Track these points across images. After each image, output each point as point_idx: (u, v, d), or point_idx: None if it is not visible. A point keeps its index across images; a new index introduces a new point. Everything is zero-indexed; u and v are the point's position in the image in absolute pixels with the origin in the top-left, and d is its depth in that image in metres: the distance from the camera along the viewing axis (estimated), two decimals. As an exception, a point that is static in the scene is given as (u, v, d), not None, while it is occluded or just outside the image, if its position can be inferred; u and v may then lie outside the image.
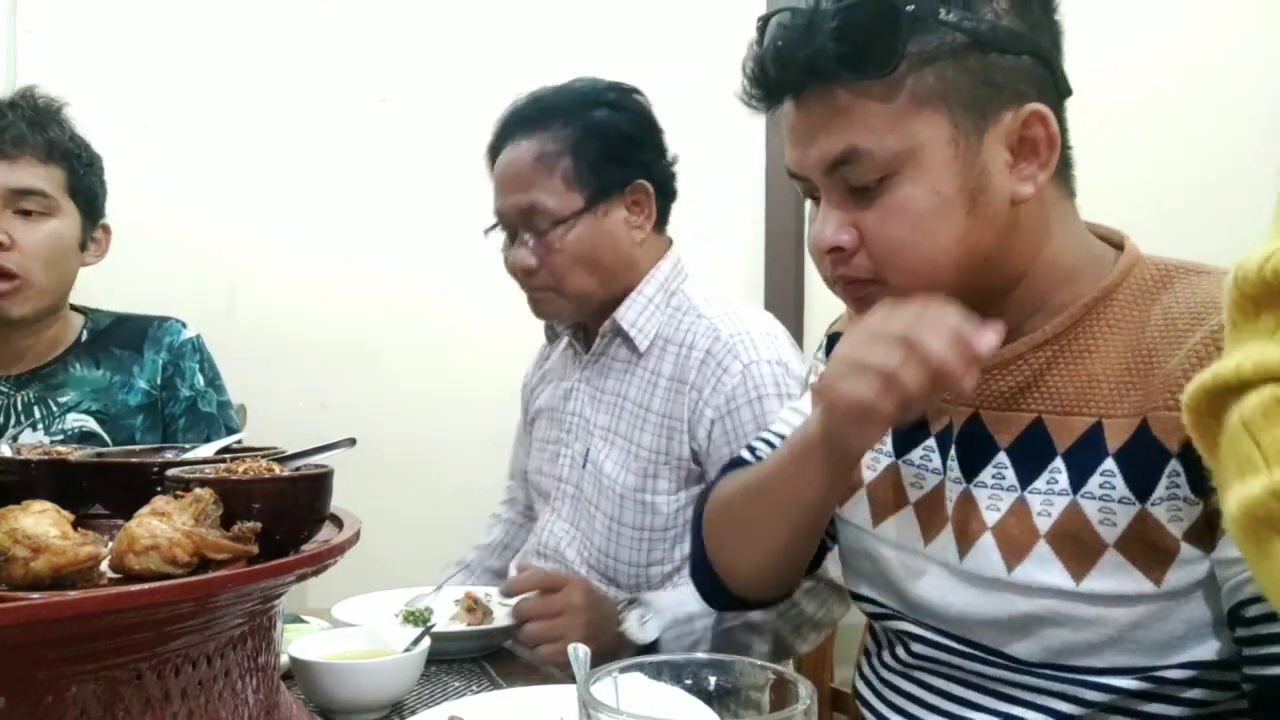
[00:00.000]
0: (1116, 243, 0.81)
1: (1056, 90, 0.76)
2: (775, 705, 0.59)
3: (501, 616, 1.31)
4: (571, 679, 1.04)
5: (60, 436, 1.42)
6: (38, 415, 1.43)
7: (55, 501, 0.62)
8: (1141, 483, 0.70)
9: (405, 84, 2.14)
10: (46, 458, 0.86)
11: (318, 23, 2.11)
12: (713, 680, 0.62)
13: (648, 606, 1.21)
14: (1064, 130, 0.78)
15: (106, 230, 1.49)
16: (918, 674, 0.87)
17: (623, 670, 0.60)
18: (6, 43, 1.95)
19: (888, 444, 0.88)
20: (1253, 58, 1.94)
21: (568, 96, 1.34)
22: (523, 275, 1.35)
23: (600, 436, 1.37)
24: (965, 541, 0.79)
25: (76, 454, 0.88)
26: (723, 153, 2.24)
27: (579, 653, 0.97)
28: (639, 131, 1.36)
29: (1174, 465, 0.68)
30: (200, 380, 1.54)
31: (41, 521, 0.59)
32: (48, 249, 1.37)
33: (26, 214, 1.36)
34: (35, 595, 0.54)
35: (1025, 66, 0.73)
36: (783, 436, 0.99)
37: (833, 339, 0.99)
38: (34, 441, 1.34)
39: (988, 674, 0.80)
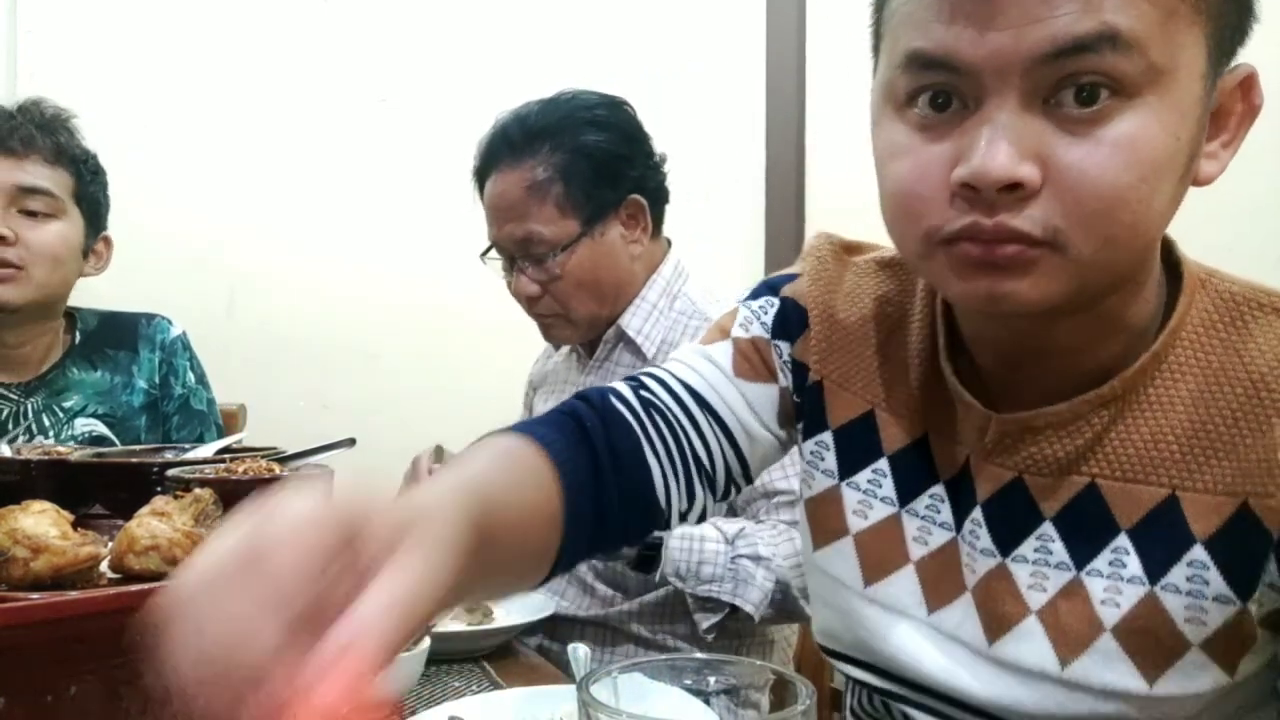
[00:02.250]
0: (1164, 253, 0.65)
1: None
2: (775, 705, 0.59)
3: (501, 616, 1.31)
4: (571, 679, 1.04)
5: (71, 443, 1.41)
6: (47, 423, 1.43)
7: (55, 501, 0.62)
8: (1244, 579, 0.58)
9: (405, 84, 2.14)
10: (46, 458, 0.86)
11: (318, 23, 2.11)
12: (712, 680, 0.62)
13: None
14: None
15: (108, 242, 1.50)
16: None
17: (622, 670, 0.60)
18: (6, 43, 1.95)
19: (886, 485, 0.72)
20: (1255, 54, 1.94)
21: (553, 117, 1.32)
22: (527, 302, 1.36)
23: None
24: (998, 624, 0.66)
25: (76, 454, 0.88)
26: (723, 153, 2.24)
27: (579, 653, 0.97)
28: (627, 148, 1.35)
29: (1270, 555, 0.58)
30: (191, 378, 1.55)
31: (41, 521, 0.59)
32: (51, 248, 1.37)
33: (32, 214, 1.36)
34: (35, 595, 0.54)
35: (1250, 22, 0.58)
36: (675, 378, 0.78)
37: (789, 306, 0.78)
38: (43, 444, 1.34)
39: None
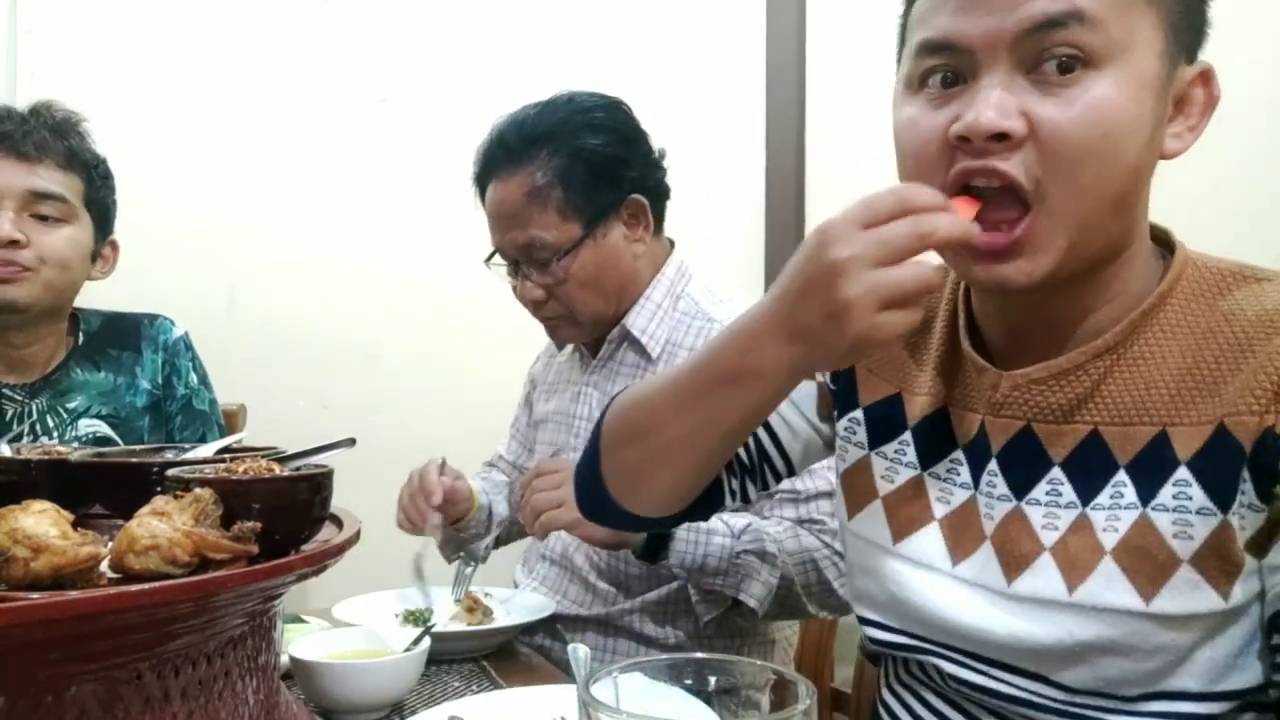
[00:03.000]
0: (1161, 238, 0.76)
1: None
2: (775, 705, 0.59)
3: (501, 616, 1.31)
4: (571, 679, 1.04)
5: (75, 444, 1.43)
6: (51, 424, 1.44)
7: (55, 501, 0.62)
8: (1222, 491, 0.65)
9: (405, 84, 2.14)
10: (46, 458, 0.86)
11: (318, 23, 2.11)
12: (713, 680, 0.62)
13: None
14: None
15: (115, 246, 1.51)
16: (944, 699, 0.81)
17: (623, 670, 0.60)
18: (6, 43, 1.95)
19: (909, 454, 0.82)
20: (1257, 55, 1.94)
21: (550, 121, 1.32)
22: (533, 306, 1.37)
23: None
24: (1016, 563, 0.72)
25: (76, 454, 0.88)
26: (723, 153, 2.24)
27: (579, 653, 0.97)
28: (625, 149, 1.35)
29: (1245, 471, 0.64)
30: (194, 378, 1.56)
31: (41, 521, 0.59)
32: (62, 252, 1.37)
33: (43, 219, 1.36)
34: (35, 595, 0.54)
35: (1204, 27, 0.70)
36: None
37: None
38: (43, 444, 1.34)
39: (1024, 702, 0.73)
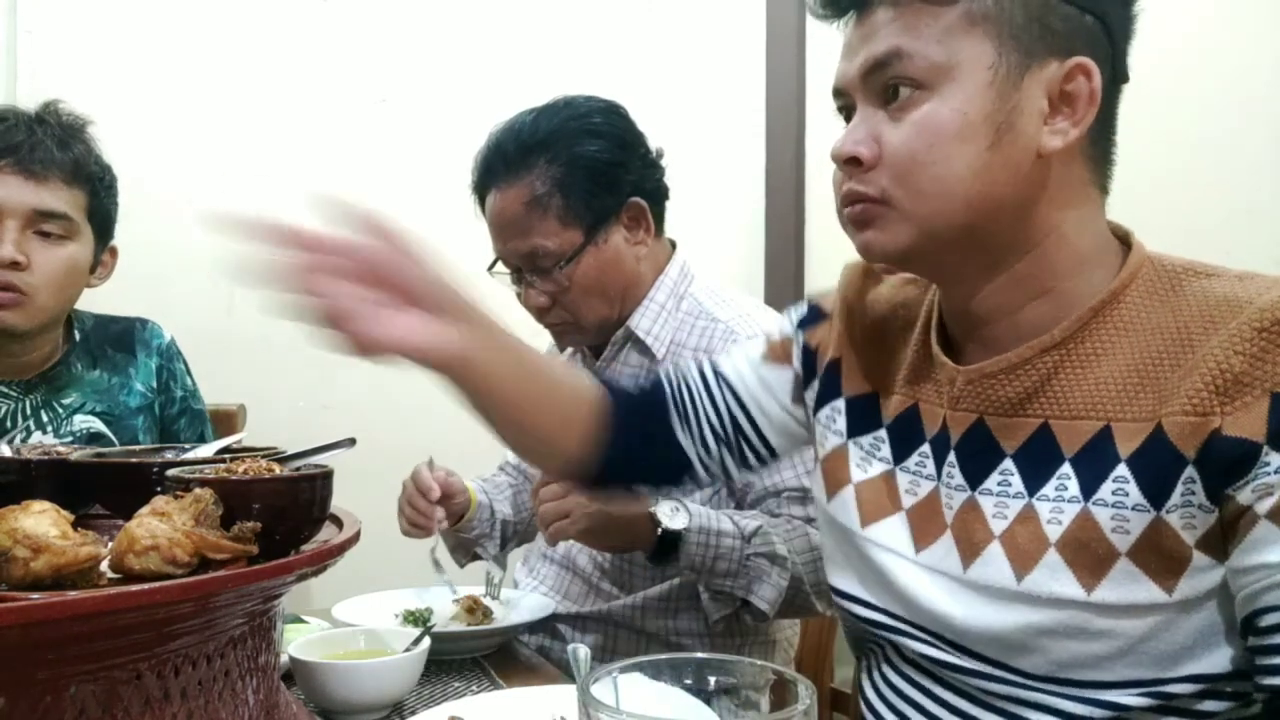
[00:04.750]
0: (1123, 238, 0.79)
1: (1113, 69, 0.75)
2: (775, 705, 0.59)
3: (501, 616, 1.31)
4: (571, 679, 1.04)
5: (69, 439, 1.43)
6: (45, 419, 1.43)
7: (55, 501, 0.62)
8: (1156, 489, 0.68)
9: (405, 84, 2.14)
10: (46, 458, 0.86)
11: (318, 23, 2.11)
12: (713, 680, 0.62)
13: (682, 502, 1.22)
14: (1112, 119, 0.78)
15: (114, 253, 1.49)
16: (915, 685, 0.84)
17: (623, 670, 0.60)
18: (6, 43, 1.95)
19: (884, 449, 0.86)
20: (1258, 56, 1.94)
21: (547, 128, 1.32)
22: (537, 313, 1.37)
23: None
24: (970, 551, 0.77)
25: (76, 454, 0.88)
26: (723, 153, 2.24)
27: (579, 653, 0.97)
28: (624, 154, 1.34)
29: (1190, 472, 0.66)
30: (189, 381, 1.57)
31: (41, 521, 0.59)
32: (61, 273, 1.36)
33: (45, 235, 1.35)
34: (35, 595, 0.54)
35: (1085, 25, 0.73)
36: (711, 365, 1.01)
37: (813, 308, 0.99)
38: (43, 444, 1.34)
39: (987, 688, 0.76)
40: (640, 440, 0.97)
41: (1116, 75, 0.76)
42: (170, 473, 0.72)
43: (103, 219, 1.44)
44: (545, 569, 1.46)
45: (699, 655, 0.63)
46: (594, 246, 1.32)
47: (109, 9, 2.00)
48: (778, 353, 0.98)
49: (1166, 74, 1.95)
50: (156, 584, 0.57)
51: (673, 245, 1.46)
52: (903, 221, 0.75)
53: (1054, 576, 0.71)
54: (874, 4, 0.75)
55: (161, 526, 0.61)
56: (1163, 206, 1.85)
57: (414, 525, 1.38)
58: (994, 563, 0.75)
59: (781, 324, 1.01)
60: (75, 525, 0.61)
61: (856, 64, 0.76)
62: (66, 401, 1.45)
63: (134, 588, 0.56)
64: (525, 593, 1.43)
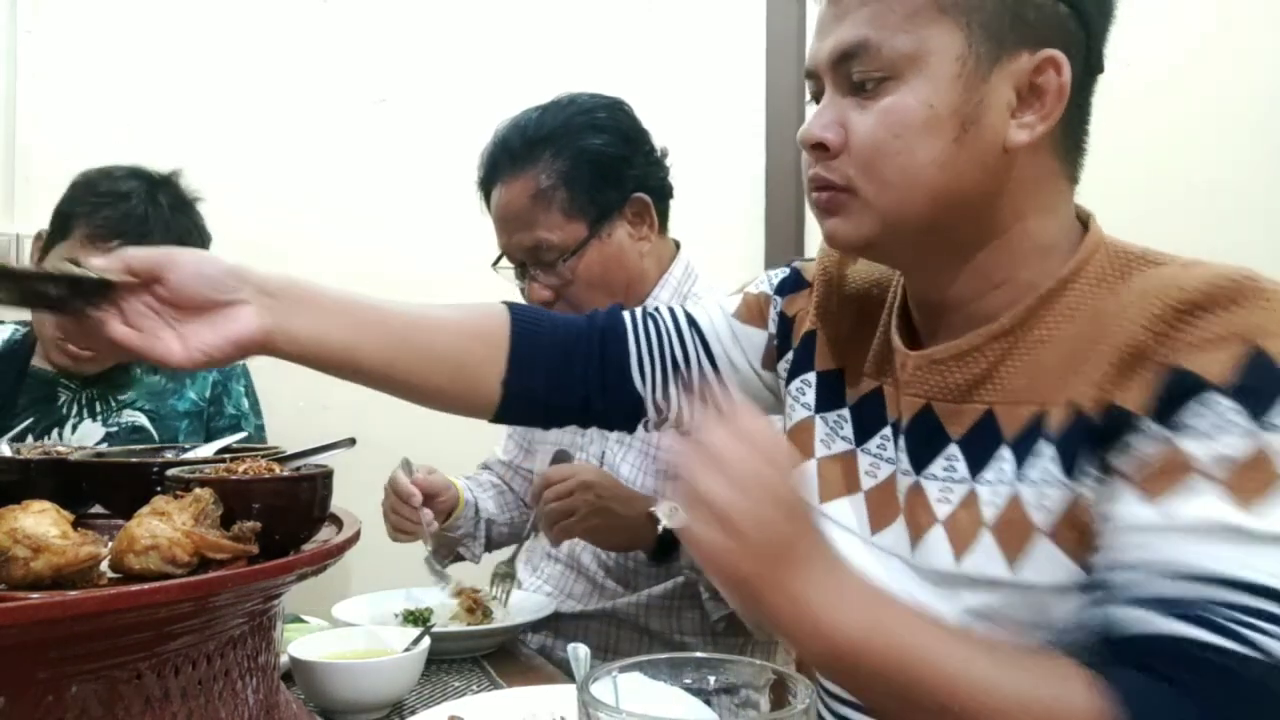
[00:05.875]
0: (1084, 220, 0.78)
1: (1087, 59, 0.74)
2: (775, 705, 0.59)
3: (501, 616, 1.31)
4: (572, 679, 1.04)
5: (115, 428, 1.54)
6: (98, 409, 1.54)
7: (55, 501, 0.62)
8: (1072, 465, 0.68)
9: (405, 84, 2.14)
10: (46, 458, 0.86)
11: (317, 23, 2.11)
12: (712, 680, 0.62)
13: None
14: (1085, 109, 0.77)
15: None
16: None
17: (622, 670, 0.60)
18: (6, 43, 1.95)
19: (846, 429, 0.86)
20: (1255, 56, 1.94)
21: (552, 123, 1.33)
22: (541, 307, 1.37)
23: (616, 439, 1.38)
24: (916, 534, 0.77)
25: (76, 454, 0.88)
26: (723, 152, 2.24)
27: (579, 653, 0.97)
28: (628, 149, 1.35)
29: (1094, 445, 0.67)
30: (245, 403, 1.68)
31: (41, 521, 0.59)
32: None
33: None
34: (35, 595, 0.54)
35: (1059, 16, 0.72)
36: (683, 309, 1.00)
37: (795, 273, 0.98)
38: (89, 431, 1.52)
39: None
40: (598, 367, 0.95)
41: (1090, 66, 0.75)
42: (170, 473, 0.72)
43: None
44: (549, 568, 1.46)
45: (699, 655, 0.63)
46: (598, 240, 1.33)
47: (109, 9, 2.00)
48: (753, 311, 0.97)
49: (1166, 70, 1.95)
50: (156, 584, 0.57)
51: (677, 245, 1.47)
52: (866, 210, 0.74)
53: (988, 557, 0.72)
54: None
55: (161, 526, 0.61)
56: (1164, 206, 1.86)
57: (401, 531, 1.37)
58: (936, 546, 0.75)
59: (760, 283, 1.00)
60: (75, 525, 0.61)
61: (826, 48, 0.76)
62: (121, 397, 1.56)
63: (134, 588, 0.56)
64: (525, 592, 1.43)
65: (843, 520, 0.84)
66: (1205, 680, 0.59)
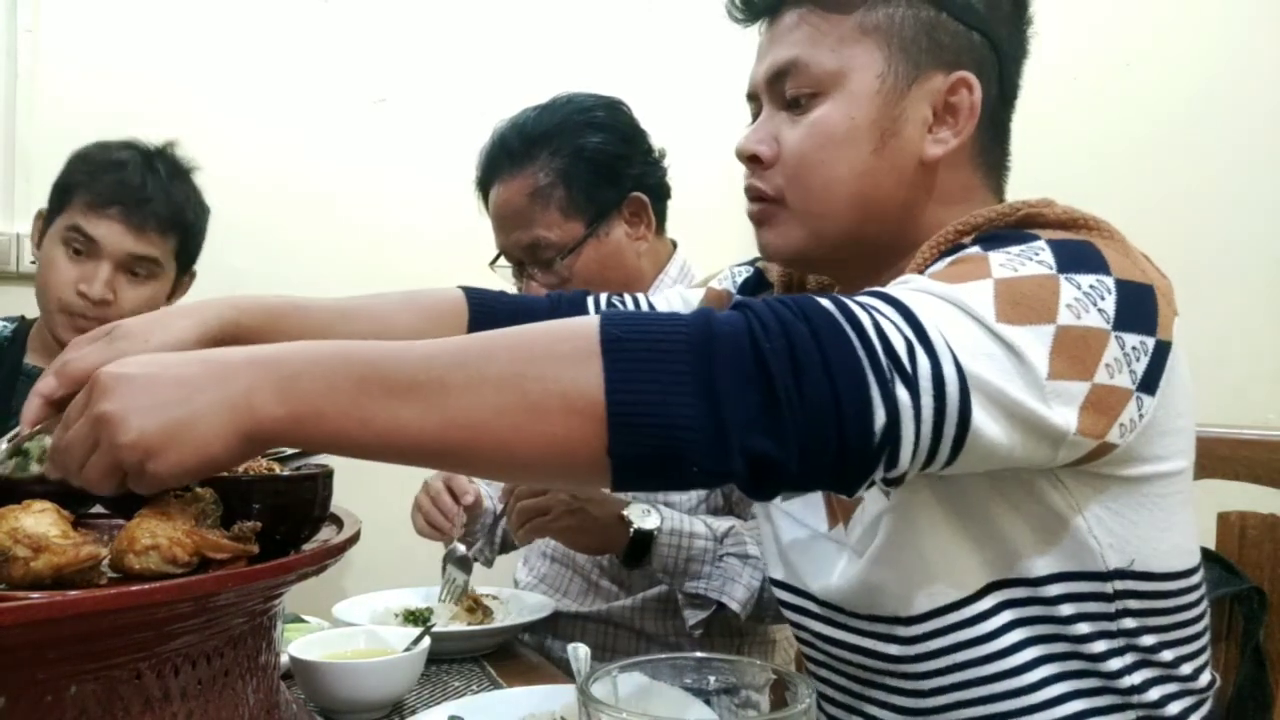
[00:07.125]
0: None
1: (1000, 85, 0.79)
2: (775, 705, 0.59)
3: (501, 616, 1.31)
4: (571, 679, 1.04)
5: None
6: None
7: (55, 501, 0.62)
8: None
9: (405, 84, 2.14)
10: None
11: (317, 23, 2.11)
12: (712, 680, 0.62)
13: (654, 504, 1.22)
14: (1003, 128, 0.82)
15: (193, 275, 1.59)
16: (820, 672, 0.86)
17: (622, 670, 0.60)
18: (6, 43, 1.95)
19: None
20: (1256, 57, 1.94)
21: (550, 122, 1.33)
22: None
23: None
24: (843, 514, 0.80)
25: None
26: (720, 153, 2.24)
27: (579, 652, 0.97)
28: (626, 147, 1.36)
29: None
30: None
31: (41, 521, 0.59)
32: (142, 309, 1.43)
33: (134, 274, 1.45)
34: (35, 595, 0.54)
35: (973, 41, 0.78)
36: (645, 297, 1.04)
37: (757, 272, 1.02)
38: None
39: (878, 656, 0.78)
40: None
41: (1004, 90, 0.80)
42: (170, 473, 0.71)
43: (188, 257, 1.55)
44: (544, 566, 1.46)
45: (699, 655, 0.63)
46: (595, 239, 1.33)
47: (108, 9, 2.00)
48: (715, 305, 0.98)
49: (1165, 70, 1.95)
50: (156, 584, 0.57)
51: (674, 245, 1.47)
52: (794, 220, 0.81)
53: (817, 512, 0.80)
54: (782, 11, 0.82)
55: (161, 526, 0.61)
56: (1164, 206, 1.86)
57: (434, 527, 1.37)
58: (816, 510, 0.82)
59: (723, 279, 1.04)
60: (75, 525, 0.61)
61: (763, 68, 0.83)
62: None
63: (134, 587, 0.56)
64: (525, 592, 1.43)
65: (800, 516, 0.86)
66: (755, 307, 0.58)
